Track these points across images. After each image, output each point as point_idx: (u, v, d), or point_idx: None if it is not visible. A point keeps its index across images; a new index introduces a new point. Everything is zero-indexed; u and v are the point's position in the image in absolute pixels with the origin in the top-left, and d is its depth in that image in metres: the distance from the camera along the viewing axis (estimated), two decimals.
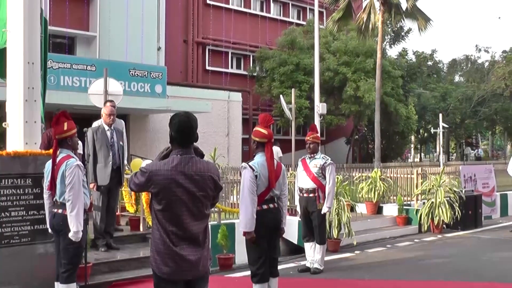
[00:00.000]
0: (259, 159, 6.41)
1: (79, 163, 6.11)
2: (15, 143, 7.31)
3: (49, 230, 6.33)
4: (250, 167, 6.33)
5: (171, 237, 4.13)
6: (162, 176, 4.10)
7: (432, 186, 13.66)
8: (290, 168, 14.27)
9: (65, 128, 6.14)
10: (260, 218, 6.26)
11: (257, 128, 6.51)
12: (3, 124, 7.52)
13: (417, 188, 14.31)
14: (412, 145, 49.08)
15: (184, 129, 4.21)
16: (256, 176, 6.29)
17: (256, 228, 6.24)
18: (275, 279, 6.59)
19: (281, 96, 21.19)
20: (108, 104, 9.11)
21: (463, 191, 14.20)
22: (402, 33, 37.49)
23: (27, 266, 7.05)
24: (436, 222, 13.13)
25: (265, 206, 6.37)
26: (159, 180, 4.10)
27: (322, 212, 8.78)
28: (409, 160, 48.68)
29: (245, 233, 6.31)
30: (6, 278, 6.92)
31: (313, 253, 9.03)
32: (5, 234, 6.95)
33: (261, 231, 6.28)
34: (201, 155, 4.31)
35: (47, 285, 6.79)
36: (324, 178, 8.73)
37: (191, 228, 4.16)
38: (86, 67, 18.46)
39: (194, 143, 4.29)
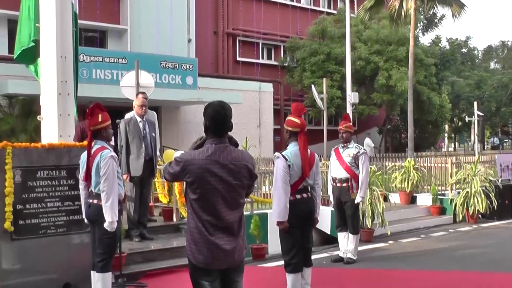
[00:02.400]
0: (292, 148, 6.38)
1: (113, 154, 6.17)
2: (50, 135, 7.42)
3: (85, 221, 6.41)
4: (283, 156, 6.30)
5: (206, 226, 4.13)
6: (196, 166, 4.09)
7: (467, 175, 13.47)
8: (322, 158, 14.21)
9: (100, 119, 6.20)
10: (294, 208, 6.24)
11: (289, 118, 6.48)
12: (38, 117, 7.66)
13: (451, 177, 14.13)
14: (446, 134, 48.42)
15: (218, 118, 4.18)
16: (289, 165, 6.26)
17: (289, 218, 6.22)
18: (309, 269, 6.57)
19: (312, 86, 21.10)
20: (140, 95, 9.18)
21: (499, 180, 13.98)
22: (435, 20, 37.00)
23: (64, 256, 7.16)
24: (471, 212, 12.96)
25: (298, 196, 6.34)
26: (194, 170, 4.09)
27: (355, 202, 8.73)
28: (443, 149, 48.05)
29: (278, 223, 6.30)
30: (44, 267, 7.04)
31: (347, 243, 8.99)
32: (42, 225, 7.06)
33: (294, 220, 6.26)
34: (235, 145, 4.29)
35: (83, 274, 6.89)
36: (357, 167, 8.67)
37: (226, 217, 4.15)
38: (118, 60, 18.61)
39: (229, 133, 4.27)
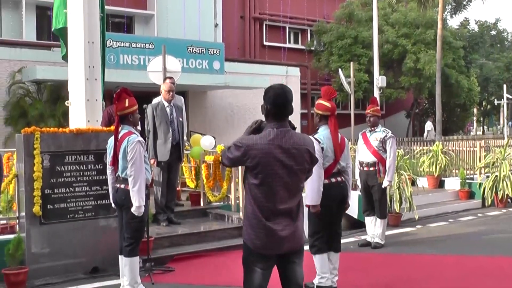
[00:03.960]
0: (323, 132, 6.34)
1: (141, 139, 6.18)
2: (78, 121, 7.51)
3: (113, 205, 6.46)
4: (316, 140, 6.22)
5: (264, 212, 4.07)
6: (259, 150, 4.01)
7: (496, 159, 13.29)
8: (350, 142, 14.12)
9: (127, 104, 6.21)
10: (327, 192, 6.18)
11: (320, 101, 6.41)
12: (66, 102, 7.74)
13: (480, 161, 13.95)
14: (475, 118, 47.77)
15: (280, 101, 4.11)
16: (322, 148, 6.21)
17: (323, 201, 6.15)
18: (337, 254, 6.52)
19: (339, 69, 20.94)
20: (167, 80, 9.20)
21: None
22: (464, 2, 36.36)
23: (92, 240, 7.26)
24: (500, 196, 12.79)
25: (333, 180, 6.31)
26: (256, 154, 4.01)
27: (383, 186, 8.69)
28: (471, 133, 47.45)
29: (310, 207, 6.20)
30: (72, 250, 7.16)
31: (374, 228, 8.96)
32: (70, 209, 7.17)
33: (328, 204, 6.21)
34: (293, 128, 4.22)
35: (111, 258, 6.98)
36: (385, 151, 8.61)
37: (285, 202, 4.09)
38: (145, 45, 18.65)
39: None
